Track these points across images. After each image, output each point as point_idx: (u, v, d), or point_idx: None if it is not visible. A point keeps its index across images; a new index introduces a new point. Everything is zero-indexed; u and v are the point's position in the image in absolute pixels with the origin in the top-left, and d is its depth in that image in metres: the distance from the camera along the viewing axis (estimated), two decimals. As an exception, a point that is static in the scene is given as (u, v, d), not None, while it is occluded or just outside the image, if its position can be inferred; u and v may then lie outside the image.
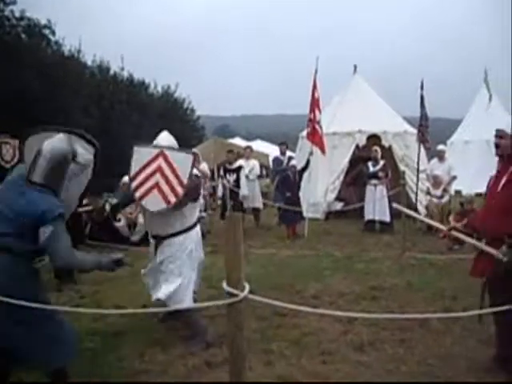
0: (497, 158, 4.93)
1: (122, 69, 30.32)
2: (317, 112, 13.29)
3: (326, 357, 5.31)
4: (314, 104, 13.34)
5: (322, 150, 13.54)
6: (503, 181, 4.67)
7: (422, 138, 13.88)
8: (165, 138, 5.80)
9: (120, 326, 6.17)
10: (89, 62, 28.44)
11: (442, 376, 4.77)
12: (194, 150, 15.58)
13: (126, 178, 12.65)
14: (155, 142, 5.74)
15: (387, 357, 5.29)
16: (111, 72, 29.94)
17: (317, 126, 13.32)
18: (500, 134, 4.76)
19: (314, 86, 13.40)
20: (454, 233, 5.28)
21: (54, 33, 23.15)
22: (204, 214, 13.35)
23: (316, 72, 13.41)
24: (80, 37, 26.88)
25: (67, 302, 7.47)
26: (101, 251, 10.82)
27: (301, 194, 13.29)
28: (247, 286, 3.12)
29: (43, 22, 22.64)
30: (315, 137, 13.35)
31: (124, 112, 26.67)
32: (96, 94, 25.76)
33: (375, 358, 5.27)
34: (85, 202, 10.94)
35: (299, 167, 13.28)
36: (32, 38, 21.94)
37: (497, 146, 4.78)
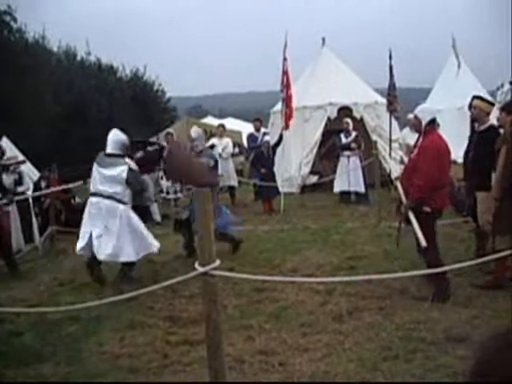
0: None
1: (89, 53, 29.95)
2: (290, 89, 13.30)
3: (305, 328, 5.35)
4: (288, 80, 13.33)
5: (286, 125, 13.44)
6: (416, 150, 6.41)
7: (391, 108, 13.93)
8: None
9: (100, 311, 6.13)
10: (54, 48, 28.00)
11: (419, 339, 4.84)
12: (169, 129, 15.52)
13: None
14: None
15: (366, 325, 5.35)
16: (78, 57, 29.55)
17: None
18: (414, 116, 6.71)
19: (284, 62, 13.34)
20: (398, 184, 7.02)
21: (15, 19, 22.64)
22: (180, 195, 13.31)
23: (285, 46, 13.34)
24: (43, 23, 26.45)
25: (45, 291, 7.43)
26: (76, 237, 10.81)
27: (275, 169, 13.28)
28: (218, 261, 3.10)
29: (2, 8, 22.12)
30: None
31: (94, 97, 26.38)
32: (64, 81, 25.41)
33: (354, 326, 5.32)
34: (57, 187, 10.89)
35: (272, 143, 13.27)
36: (-8, 26, 21.51)
37: (413, 124, 6.65)
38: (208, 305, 3.14)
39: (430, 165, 6.05)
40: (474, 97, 7.46)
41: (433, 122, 6.47)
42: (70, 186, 10.72)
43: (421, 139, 6.41)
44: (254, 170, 13.31)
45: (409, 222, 6.22)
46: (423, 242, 5.74)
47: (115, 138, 7.50)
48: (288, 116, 13.35)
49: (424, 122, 6.41)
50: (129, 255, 7.09)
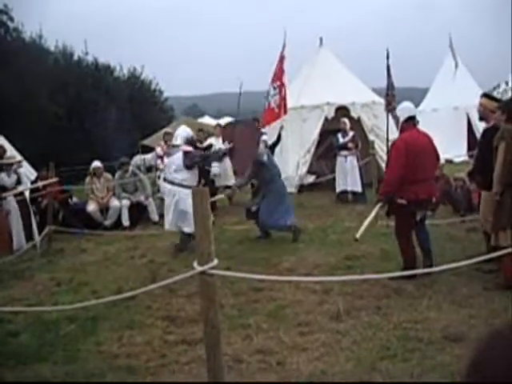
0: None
1: (86, 53, 29.88)
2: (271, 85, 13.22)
3: (303, 328, 5.35)
4: (278, 78, 13.26)
5: (263, 124, 13.43)
6: None
7: (389, 107, 13.91)
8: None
9: (98, 311, 6.13)
10: (51, 48, 27.95)
11: (416, 338, 4.86)
12: (167, 129, 15.51)
13: (96, 163, 12.55)
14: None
15: (364, 324, 5.35)
16: (75, 57, 29.49)
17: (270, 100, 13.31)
18: (394, 115, 7.53)
19: (282, 60, 13.31)
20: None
21: (12, 19, 22.60)
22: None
23: (284, 46, 13.33)
24: (40, 22, 26.36)
25: (43, 290, 7.42)
26: (73, 237, 10.81)
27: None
28: (216, 260, 3.11)
29: (-1, 7, 22.10)
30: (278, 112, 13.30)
31: (91, 97, 26.30)
32: (61, 81, 25.34)
33: (352, 325, 5.33)
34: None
35: (270, 142, 13.26)
36: (-12, 25, 21.49)
37: (396, 123, 7.53)
38: (206, 304, 3.14)
39: (394, 160, 6.65)
40: (482, 94, 7.42)
41: (411, 120, 6.86)
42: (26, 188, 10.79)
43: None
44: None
45: (389, 215, 7.11)
46: (357, 235, 6.27)
47: (182, 133, 9.45)
48: (276, 115, 13.26)
49: (401, 120, 6.90)
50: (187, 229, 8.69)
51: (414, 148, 6.57)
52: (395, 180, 6.57)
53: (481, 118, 7.24)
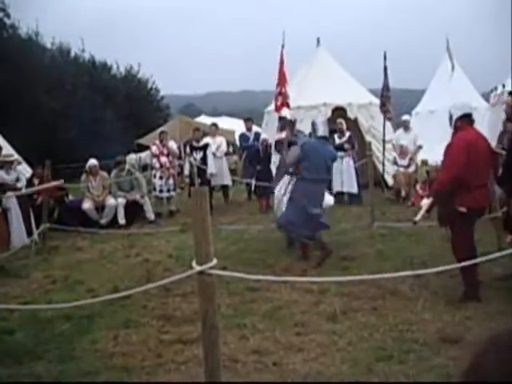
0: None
1: (83, 50, 29.85)
2: (286, 87, 13.23)
3: (299, 328, 5.35)
4: (283, 79, 13.24)
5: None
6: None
7: (384, 109, 13.92)
8: None
9: (93, 310, 6.11)
10: (48, 45, 27.90)
11: (412, 339, 4.86)
12: (163, 128, 15.47)
13: (92, 161, 12.52)
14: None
15: (360, 325, 5.36)
16: (72, 54, 29.46)
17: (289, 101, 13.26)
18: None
19: (282, 62, 13.29)
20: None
21: (8, 15, 22.56)
22: (173, 193, 13.30)
23: (283, 47, 13.31)
24: (37, 19, 26.33)
25: (38, 288, 7.40)
26: (69, 235, 10.79)
27: (272, 166, 13.28)
28: (215, 260, 3.10)
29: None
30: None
31: (87, 95, 26.28)
32: (58, 78, 25.30)
33: (348, 326, 5.33)
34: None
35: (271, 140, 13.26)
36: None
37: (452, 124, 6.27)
38: (204, 304, 3.13)
39: (452, 158, 5.92)
40: (509, 92, 6.97)
41: (465, 118, 6.17)
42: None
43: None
44: (248, 169, 13.32)
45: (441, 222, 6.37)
46: (416, 218, 6.04)
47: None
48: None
49: (455, 118, 6.21)
50: None
51: (474, 148, 5.87)
52: (450, 180, 5.87)
53: (508, 119, 6.79)
